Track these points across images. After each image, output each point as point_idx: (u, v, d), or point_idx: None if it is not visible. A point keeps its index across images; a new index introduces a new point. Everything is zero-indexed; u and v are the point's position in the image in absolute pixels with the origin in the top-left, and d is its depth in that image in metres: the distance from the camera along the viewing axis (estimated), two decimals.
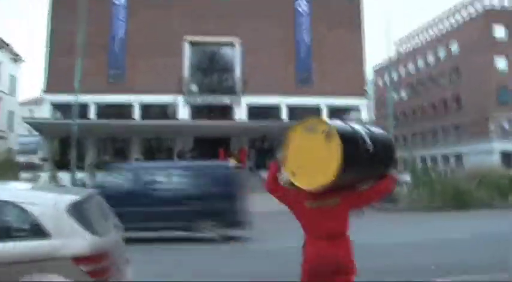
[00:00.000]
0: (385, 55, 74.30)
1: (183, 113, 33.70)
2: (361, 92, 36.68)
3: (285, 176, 3.92)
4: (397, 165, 4.85)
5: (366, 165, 3.71)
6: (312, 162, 3.63)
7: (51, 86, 33.72)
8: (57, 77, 33.57)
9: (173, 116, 34.16)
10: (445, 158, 53.55)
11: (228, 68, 35.50)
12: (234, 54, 35.61)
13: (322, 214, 3.82)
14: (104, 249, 4.45)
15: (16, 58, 52.69)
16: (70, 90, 33.13)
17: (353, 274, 3.88)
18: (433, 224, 15.35)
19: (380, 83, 70.67)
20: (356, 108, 36.73)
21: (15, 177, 25.45)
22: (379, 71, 69.54)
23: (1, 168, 28.73)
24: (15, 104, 53.01)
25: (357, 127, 3.84)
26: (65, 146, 34.18)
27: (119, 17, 34.48)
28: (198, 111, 33.56)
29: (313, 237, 3.88)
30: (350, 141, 3.55)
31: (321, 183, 3.56)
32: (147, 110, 34.27)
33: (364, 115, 36.71)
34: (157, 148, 34.70)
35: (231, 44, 35.61)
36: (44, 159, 33.11)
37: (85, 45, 28.40)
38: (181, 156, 30.66)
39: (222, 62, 36.03)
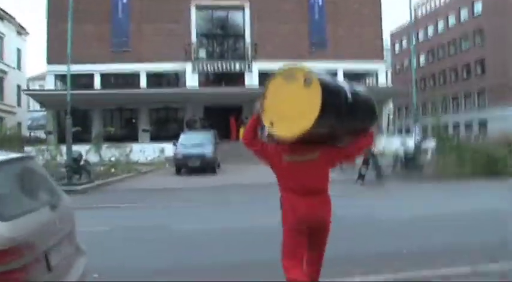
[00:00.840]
0: (401, 18, 70.64)
1: (192, 80, 32.06)
2: (379, 56, 34.74)
3: (265, 131, 3.79)
4: (377, 123, 4.49)
5: (346, 116, 3.59)
6: (291, 110, 3.49)
7: (54, 56, 32.25)
8: (59, 46, 32.03)
9: (181, 84, 32.58)
10: (468, 125, 51.16)
11: (237, 33, 33.72)
12: (244, 18, 33.72)
13: (300, 169, 3.69)
14: (13, 240, 2.84)
15: (21, 31, 51.33)
16: (73, 60, 31.87)
17: (328, 232, 3.87)
18: (466, 193, 13.68)
19: (396, 48, 67.71)
20: (373, 73, 34.83)
21: (18, 151, 24.09)
22: (396, 35, 66.51)
23: (4, 142, 27.70)
24: (23, 78, 51.93)
25: (338, 79, 3.96)
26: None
27: None
28: (207, 79, 31.94)
29: (291, 193, 3.74)
30: (330, 89, 3.47)
31: (301, 129, 3.41)
32: (154, 79, 32.80)
33: (382, 80, 34.80)
34: (165, 118, 33.27)
35: (240, 8, 33.72)
36: (48, 132, 31.91)
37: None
38: (191, 125, 29.11)
39: (231, 26, 34.21)
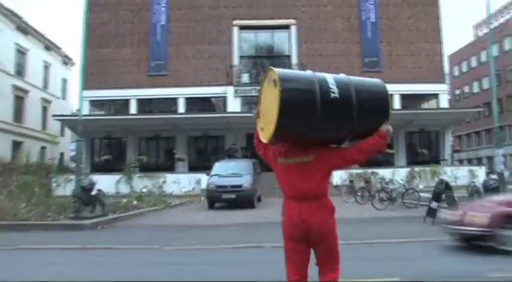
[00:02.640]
0: (458, 41, 65.41)
1: (234, 106, 29.58)
2: (439, 76, 31.27)
3: None
4: (388, 118, 3.42)
5: (329, 116, 3.20)
6: (269, 115, 3.27)
7: (89, 82, 30.57)
8: (95, 71, 30.48)
9: (222, 110, 30.16)
10: None
11: (282, 54, 31.10)
12: (290, 38, 31.18)
13: (293, 171, 3.47)
14: None
15: (67, 61, 51.09)
16: (107, 85, 30.17)
17: (332, 241, 3.53)
18: None
19: (455, 72, 63.08)
20: (434, 96, 31.37)
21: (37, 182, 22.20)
22: (454, 58, 61.90)
23: (36, 171, 26.18)
24: (68, 108, 51.34)
25: (321, 74, 3.36)
26: (105, 145, 31.19)
27: (159, 2, 30.86)
28: (250, 104, 29.29)
29: (288, 198, 3.57)
30: (294, 87, 3.19)
31: (268, 135, 3.33)
32: (193, 104, 30.52)
33: (444, 103, 31.25)
34: (204, 146, 30.82)
35: (286, 27, 31.24)
36: (74, 160, 30.02)
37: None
38: (231, 155, 26.44)
39: (275, 47, 31.65)
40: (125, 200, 18.36)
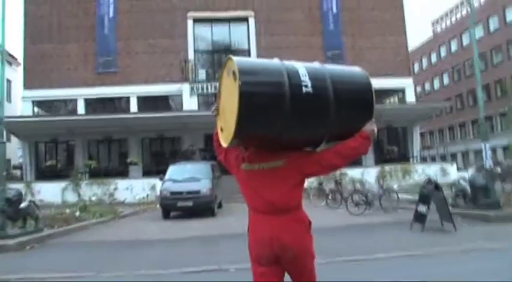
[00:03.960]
0: (417, 37, 64.73)
1: (190, 104, 27.48)
2: (405, 70, 30.07)
3: None
4: (373, 116, 2.89)
5: (301, 114, 2.67)
6: (229, 113, 2.69)
7: (30, 80, 28.01)
8: (37, 69, 27.87)
9: (178, 109, 28.04)
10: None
11: (241, 48, 29.16)
12: (248, 30, 29.35)
13: (259, 179, 2.90)
14: None
15: (11, 60, 47.66)
16: (51, 84, 27.61)
17: (310, 263, 2.97)
18: None
19: (416, 68, 61.96)
20: (400, 91, 30.14)
21: None
22: (415, 54, 60.78)
23: None
24: (13, 111, 48.04)
25: (290, 63, 2.81)
26: (51, 149, 28.59)
27: None
28: (207, 102, 27.26)
29: (253, 211, 2.98)
30: (257, 79, 2.65)
31: (227, 137, 2.78)
32: (146, 104, 28.27)
33: (411, 97, 30.05)
34: (160, 149, 28.59)
35: (244, 19, 29.40)
36: (16, 167, 27.38)
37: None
38: (188, 157, 24.39)
39: (233, 41, 29.66)
40: (67, 211, 16.06)
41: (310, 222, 2.99)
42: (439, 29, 57.12)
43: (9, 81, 46.38)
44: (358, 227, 11.93)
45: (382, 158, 27.75)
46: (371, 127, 2.85)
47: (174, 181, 16.32)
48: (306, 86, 2.67)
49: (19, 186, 22.68)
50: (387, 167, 24.50)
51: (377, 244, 9.27)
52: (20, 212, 11.88)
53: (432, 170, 24.67)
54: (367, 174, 23.11)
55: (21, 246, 10.58)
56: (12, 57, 47.44)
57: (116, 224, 15.26)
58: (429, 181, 11.22)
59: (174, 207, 15.96)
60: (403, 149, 28.99)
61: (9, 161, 31.39)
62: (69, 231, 13.10)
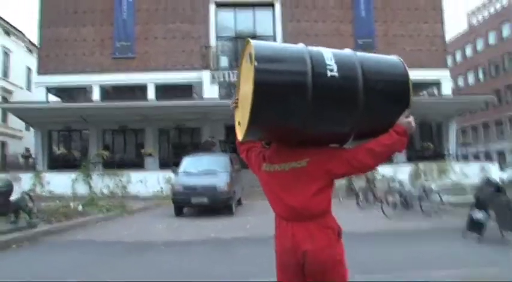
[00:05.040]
0: (453, 29, 60.90)
1: (211, 93, 25.79)
2: (441, 62, 27.96)
3: None
4: (409, 108, 2.54)
5: (334, 104, 2.41)
6: (246, 104, 2.38)
7: (45, 66, 26.74)
8: (51, 54, 26.59)
9: (198, 98, 26.46)
10: None
11: (266, 35, 27.38)
12: (274, 16, 27.57)
13: (283, 182, 2.61)
14: None
15: (31, 48, 46.81)
16: (65, 69, 26.31)
17: (339, 277, 2.58)
18: None
19: (448, 62, 58.01)
20: (435, 83, 28.05)
21: None
22: (452, 46, 57.35)
23: None
24: (33, 99, 47.31)
25: (316, 48, 2.52)
26: (65, 138, 27.34)
27: None
28: (229, 91, 25.59)
29: (278, 217, 2.70)
30: (283, 67, 2.37)
31: (242, 131, 2.50)
32: (165, 92, 26.72)
33: (447, 91, 27.94)
34: (178, 140, 27.08)
35: (269, 4, 27.62)
36: (25, 156, 26.15)
37: None
38: (208, 149, 22.77)
39: (258, 27, 27.84)
40: (71, 204, 14.62)
41: (340, 230, 2.66)
42: (475, 21, 54.12)
43: (29, 69, 45.64)
44: (398, 234, 10.17)
45: (413, 155, 25.83)
46: (407, 121, 2.52)
47: (188, 174, 14.76)
48: (332, 70, 2.39)
49: (28, 176, 21.57)
50: (421, 165, 22.52)
51: (425, 258, 7.53)
52: (10, 205, 10.47)
53: (471, 170, 22.63)
54: (399, 172, 21.19)
55: (6, 245, 9.18)
56: (33, 44, 46.69)
57: (122, 221, 13.75)
58: (488, 182, 9.39)
59: (187, 204, 14.39)
60: (438, 146, 26.93)
61: (28, 150, 30.44)
62: (67, 228, 11.68)
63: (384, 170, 20.05)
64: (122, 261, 8.01)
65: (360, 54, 2.59)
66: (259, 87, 2.24)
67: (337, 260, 2.59)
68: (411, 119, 2.53)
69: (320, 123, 2.44)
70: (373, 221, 12.20)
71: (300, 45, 2.51)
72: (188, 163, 15.60)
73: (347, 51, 2.60)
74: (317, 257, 2.51)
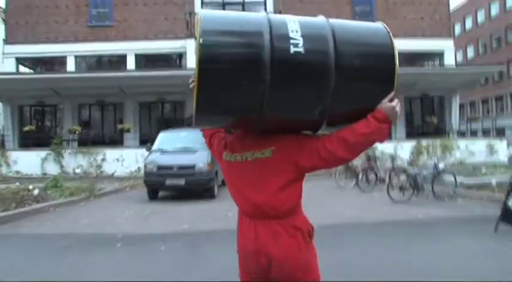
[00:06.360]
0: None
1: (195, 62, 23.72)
2: (445, 31, 26.01)
3: None
4: (393, 89, 2.12)
5: (299, 84, 2.02)
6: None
7: (13, 34, 24.54)
8: (20, 21, 24.36)
9: (182, 68, 24.42)
10: None
11: (256, 1, 25.28)
12: None
13: (245, 175, 2.27)
14: None
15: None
16: (37, 38, 24.13)
17: None
18: None
19: (456, 30, 54.75)
20: (438, 54, 26.12)
21: None
22: (454, 16, 54.07)
23: None
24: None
25: (279, 16, 2.13)
26: (37, 113, 25.29)
27: None
28: None
29: (241, 213, 2.37)
30: (233, 40, 2.02)
31: (195, 117, 2.13)
32: (145, 62, 24.70)
33: (451, 62, 26.04)
34: (160, 114, 25.11)
35: None
36: None
37: None
38: (191, 122, 20.73)
39: None
40: (30, 187, 12.67)
41: (311, 230, 2.30)
42: None
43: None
44: (410, 224, 8.36)
45: (414, 131, 24.11)
46: (390, 105, 2.09)
47: (163, 152, 12.83)
48: (296, 46, 1.97)
49: None
50: (424, 142, 20.74)
51: (453, 260, 5.76)
52: None
53: (477, 147, 20.90)
54: (399, 149, 19.44)
55: None
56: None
57: (86, 207, 11.85)
58: None
59: (161, 186, 12.51)
60: (440, 121, 25.09)
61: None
62: (14, 217, 9.77)
63: (383, 147, 18.24)
64: (57, 262, 6.21)
65: (334, 21, 2.13)
66: (204, 65, 1.91)
67: (307, 268, 2.23)
68: (395, 102, 2.11)
69: (282, 109, 2.06)
70: (377, 207, 10.38)
71: (261, 14, 2.09)
72: (164, 139, 13.63)
73: (319, 20, 2.16)
74: (283, 263, 2.18)
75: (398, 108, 2.11)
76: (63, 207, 11.47)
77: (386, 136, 2.14)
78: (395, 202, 10.73)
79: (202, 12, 2.05)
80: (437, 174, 11.26)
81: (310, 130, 2.26)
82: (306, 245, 2.25)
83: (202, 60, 1.91)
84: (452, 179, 11.34)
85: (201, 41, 1.92)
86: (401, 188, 11.15)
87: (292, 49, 1.96)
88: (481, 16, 49.71)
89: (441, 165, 11.83)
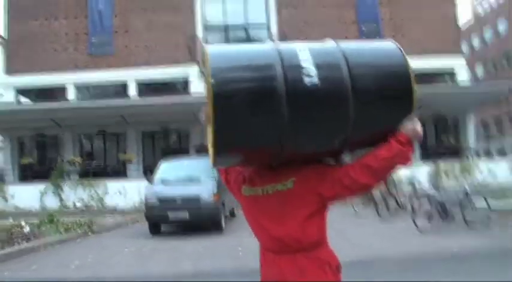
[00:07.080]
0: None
1: (199, 88, 22.87)
2: (455, 46, 25.18)
3: None
4: (412, 110, 2.03)
5: (316, 114, 1.94)
6: (211, 123, 1.95)
7: (14, 65, 23.96)
8: (21, 52, 23.81)
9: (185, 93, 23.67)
10: None
11: (259, 23, 24.60)
12: (267, 2, 24.76)
13: (266, 208, 2.19)
14: None
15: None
16: (36, 68, 23.51)
17: None
18: None
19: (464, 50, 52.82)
20: (449, 73, 25.23)
21: None
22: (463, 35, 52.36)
23: None
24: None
25: (288, 45, 2.06)
26: (38, 145, 24.48)
27: None
28: None
29: (263, 248, 2.28)
30: (245, 75, 1.94)
31: (211, 155, 2.06)
32: (147, 90, 23.93)
33: (463, 79, 25.13)
34: (164, 144, 24.20)
35: None
36: None
37: None
38: (201, 153, 19.72)
39: (250, 15, 24.99)
40: (23, 223, 11.66)
41: (338, 264, 2.20)
42: (480, 10, 50.67)
43: None
44: (444, 259, 7.28)
45: (429, 153, 23.06)
46: (412, 127, 2.02)
47: (166, 183, 11.86)
48: (309, 76, 1.90)
49: None
50: (442, 164, 19.69)
51: None
52: None
53: (500, 168, 19.83)
54: (417, 172, 18.38)
55: None
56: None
57: (81, 245, 10.87)
58: None
59: (163, 221, 11.51)
60: (456, 141, 24.04)
61: None
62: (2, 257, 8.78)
63: (399, 171, 17.07)
64: None
65: (345, 45, 2.06)
66: (219, 105, 1.84)
67: None
68: (417, 124, 2.03)
69: (301, 141, 1.98)
70: (404, 238, 9.33)
71: (268, 45, 2.07)
72: (166, 169, 12.64)
73: (329, 44, 2.08)
74: None
75: (419, 129, 2.03)
76: (56, 245, 10.50)
77: (410, 159, 2.04)
78: (423, 232, 9.66)
79: (209, 49, 1.97)
80: (465, 198, 10.20)
81: (331, 157, 2.17)
82: (333, 278, 2.14)
83: (215, 98, 1.83)
84: (484, 203, 10.25)
85: (212, 81, 1.85)
86: (428, 216, 10.09)
87: (307, 80, 1.90)
88: (488, 34, 48.76)
89: (468, 188, 10.80)
